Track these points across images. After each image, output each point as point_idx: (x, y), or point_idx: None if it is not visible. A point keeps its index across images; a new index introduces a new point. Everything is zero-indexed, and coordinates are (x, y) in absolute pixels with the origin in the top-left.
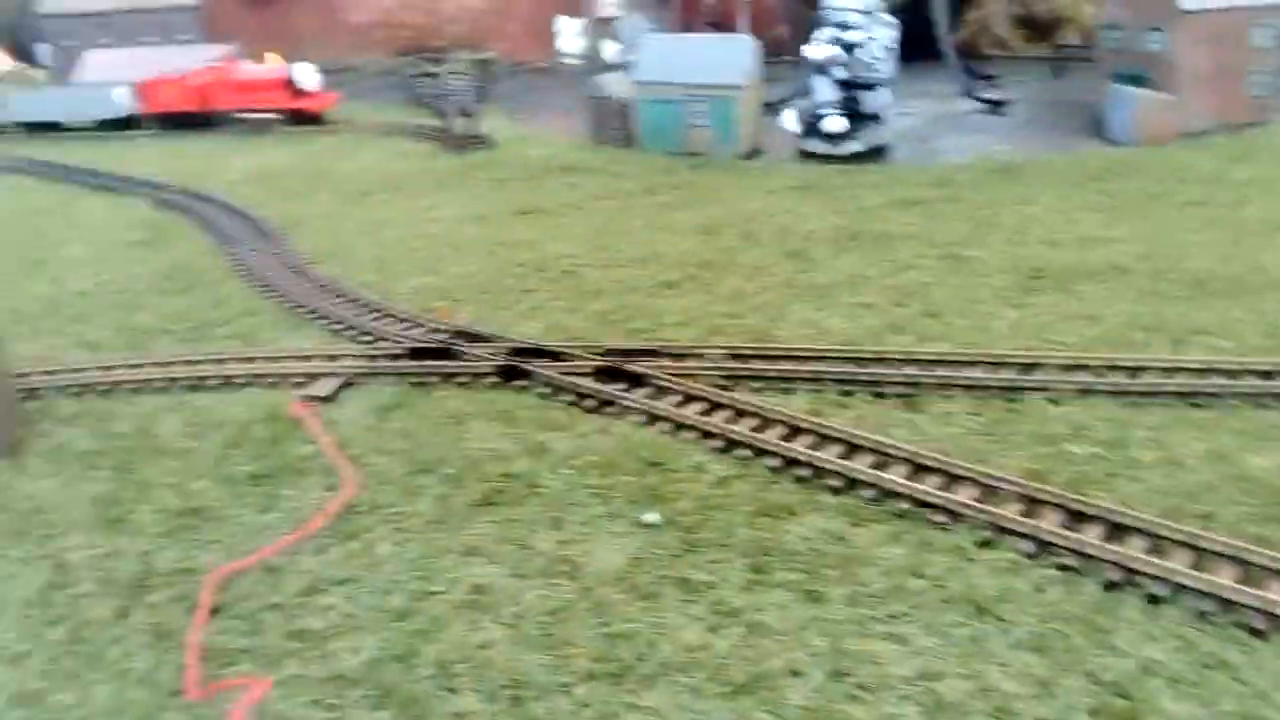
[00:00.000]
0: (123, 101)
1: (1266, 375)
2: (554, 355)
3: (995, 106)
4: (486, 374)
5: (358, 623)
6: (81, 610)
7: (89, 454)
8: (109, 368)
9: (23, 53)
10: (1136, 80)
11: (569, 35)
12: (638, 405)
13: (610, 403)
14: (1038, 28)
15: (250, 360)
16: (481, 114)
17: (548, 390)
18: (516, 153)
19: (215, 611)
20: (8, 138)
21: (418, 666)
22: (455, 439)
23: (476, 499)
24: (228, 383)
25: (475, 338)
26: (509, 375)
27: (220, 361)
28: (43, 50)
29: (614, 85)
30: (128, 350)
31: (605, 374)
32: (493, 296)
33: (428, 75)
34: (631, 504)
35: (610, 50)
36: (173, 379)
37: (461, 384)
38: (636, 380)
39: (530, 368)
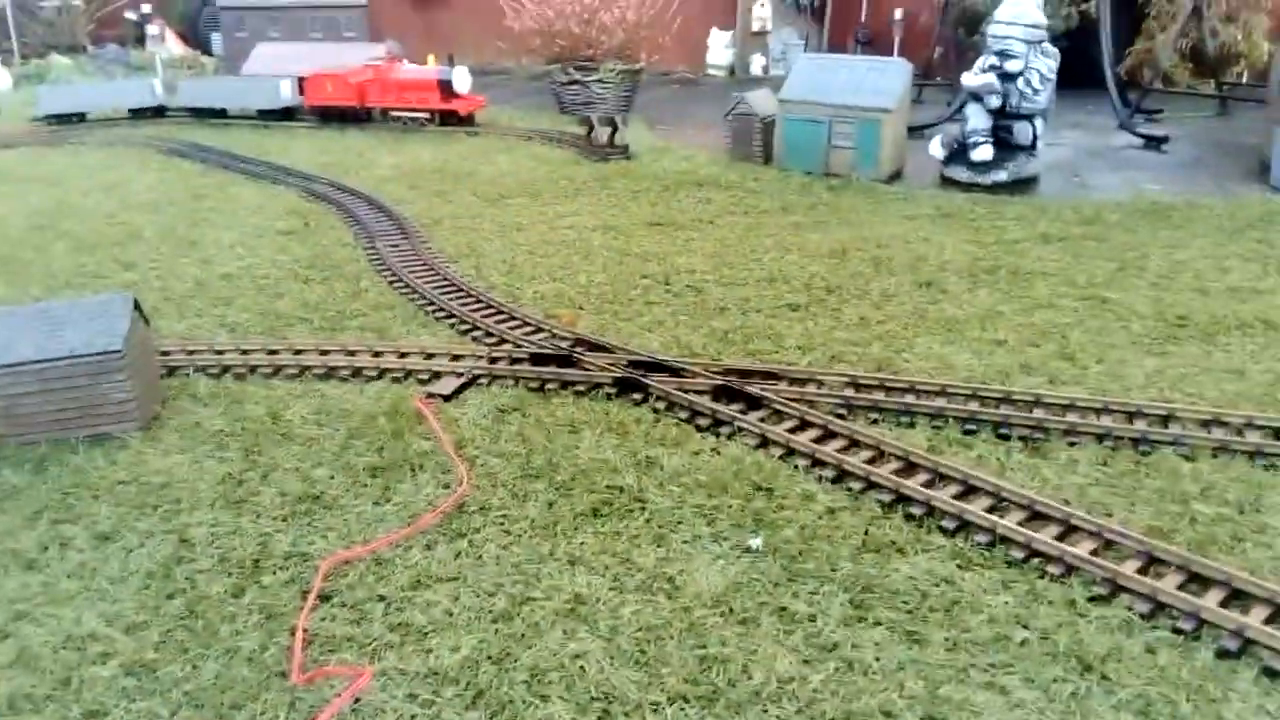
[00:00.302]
0: (286, 93)
1: None
2: (672, 370)
3: (1154, 143)
4: (604, 384)
5: (458, 621)
6: (199, 586)
7: (220, 434)
8: (247, 351)
9: (196, 41)
10: None
11: (718, 48)
12: (751, 427)
13: (724, 422)
14: (1207, 63)
15: (379, 354)
16: (625, 124)
17: (663, 405)
18: (654, 164)
19: (324, 598)
20: (176, 122)
21: (512, 670)
22: (568, 447)
23: (583, 509)
24: (356, 374)
25: (595, 347)
26: (626, 387)
27: (351, 353)
28: (215, 39)
29: (759, 101)
30: (266, 335)
31: (722, 393)
32: (616, 307)
33: (576, 83)
34: (736, 527)
35: (758, 65)
36: (305, 366)
37: (579, 392)
38: (752, 402)
39: (648, 381)
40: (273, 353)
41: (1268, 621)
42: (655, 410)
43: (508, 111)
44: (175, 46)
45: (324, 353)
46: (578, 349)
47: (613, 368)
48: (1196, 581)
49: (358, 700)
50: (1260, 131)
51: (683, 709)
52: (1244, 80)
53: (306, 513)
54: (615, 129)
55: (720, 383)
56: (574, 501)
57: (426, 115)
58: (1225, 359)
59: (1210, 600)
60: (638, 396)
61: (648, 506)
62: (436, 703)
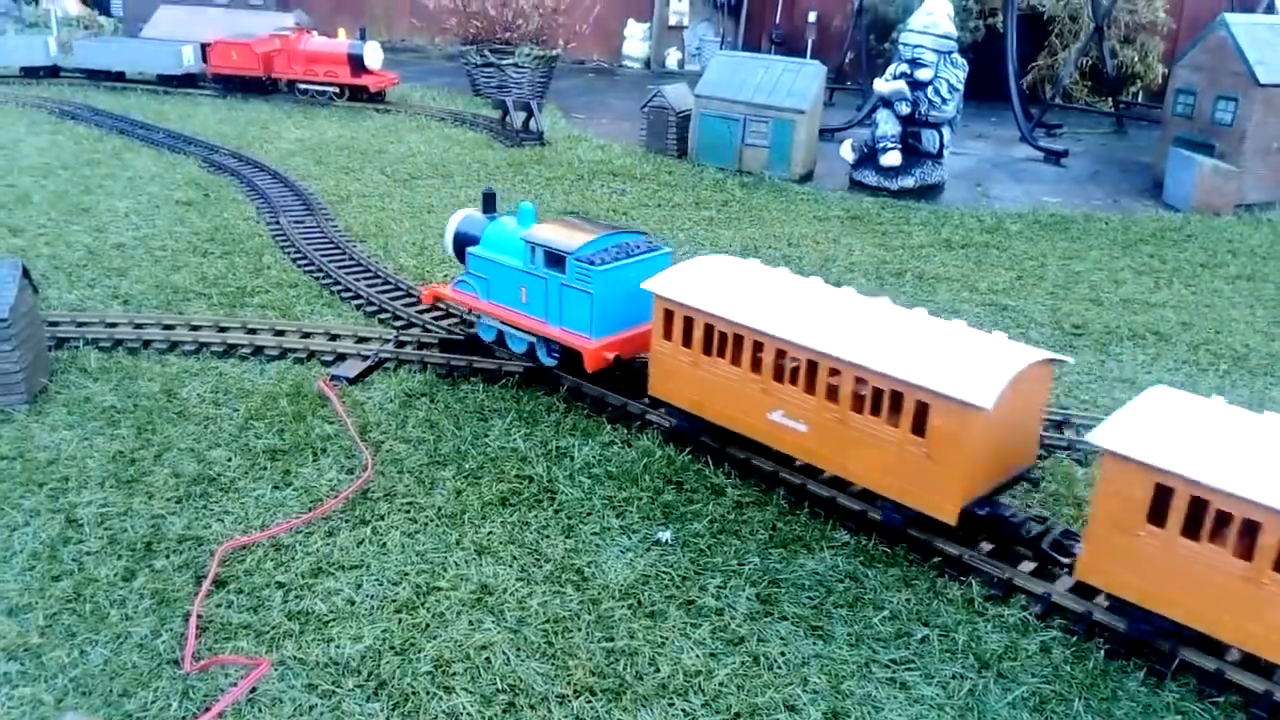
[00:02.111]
0: (188, 60)
1: None
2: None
3: (1054, 157)
4: (515, 373)
5: (361, 610)
6: (87, 568)
7: (111, 410)
8: (141, 325)
9: (94, 1)
10: (1201, 147)
11: (634, 40)
12: (662, 420)
13: (635, 415)
14: (1105, 81)
15: (281, 333)
16: (540, 110)
17: (574, 396)
18: (569, 152)
19: (220, 584)
20: (70, 83)
21: (416, 661)
22: (477, 435)
23: (492, 498)
24: (257, 353)
25: None
26: (536, 376)
27: (252, 331)
28: (115, 0)
29: (675, 95)
30: (162, 309)
31: (634, 385)
32: None
33: (491, 66)
34: (646, 519)
35: (674, 59)
36: (203, 343)
37: (489, 380)
38: None
39: (559, 371)
40: (168, 327)
41: None
42: (566, 400)
43: (420, 90)
44: (71, 5)
45: (223, 329)
46: None
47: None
48: (1088, 584)
49: (254, 690)
50: (1155, 150)
51: (589, 702)
52: (1139, 100)
53: (202, 495)
54: (530, 114)
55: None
56: (482, 490)
57: (335, 89)
58: (1118, 368)
59: (1101, 603)
60: (549, 386)
61: (557, 497)
62: (337, 693)
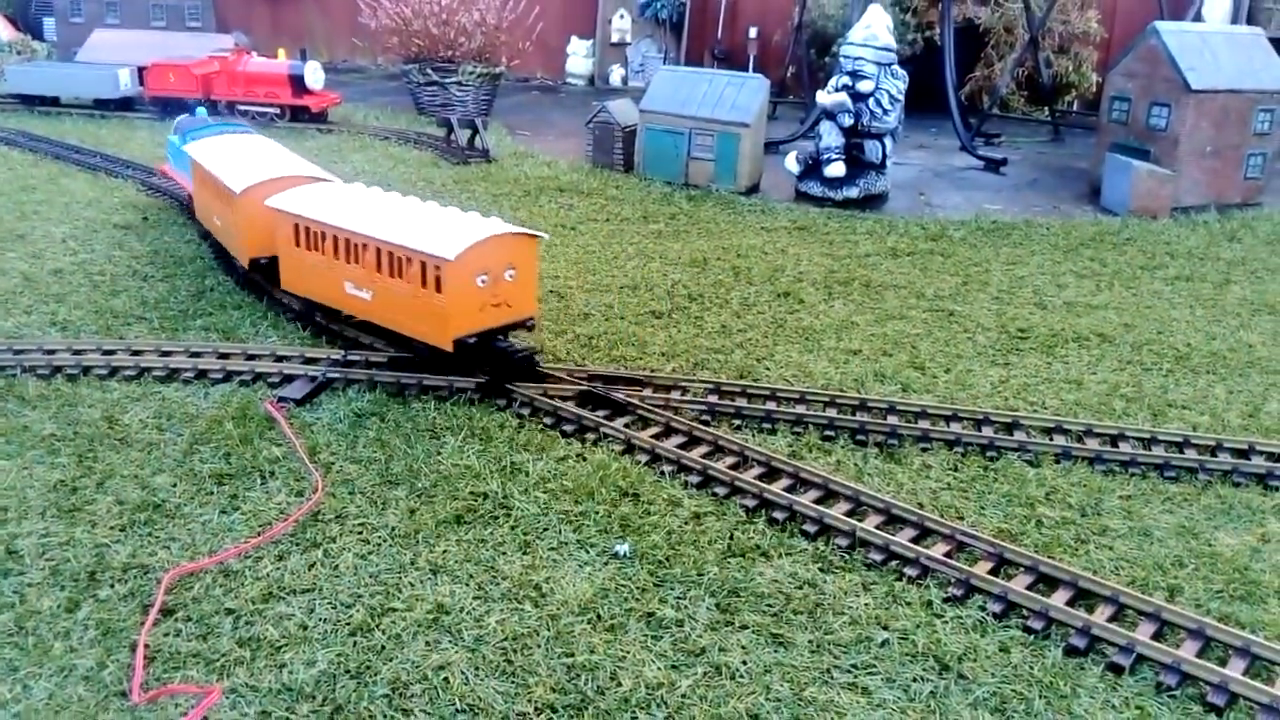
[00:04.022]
0: (125, 83)
1: (1242, 454)
2: (536, 376)
3: (993, 165)
4: (466, 389)
5: (313, 634)
6: (29, 600)
7: (51, 438)
8: (80, 351)
9: (27, 26)
10: (1137, 152)
11: (578, 57)
12: (617, 433)
13: (589, 428)
14: (1041, 91)
15: (226, 356)
16: (485, 127)
17: (527, 411)
18: (515, 169)
19: (167, 613)
20: (4, 109)
21: (372, 684)
22: (429, 453)
23: (446, 516)
24: (200, 376)
25: None
26: (489, 392)
27: (195, 354)
28: (48, 25)
29: (620, 110)
30: (101, 334)
31: (587, 399)
32: None
33: (434, 84)
34: (603, 533)
35: (618, 75)
36: (144, 368)
37: (440, 397)
38: (618, 408)
39: (511, 387)
40: (109, 353)
41: (1111, 619)
42: (519, 416)
43: (363, 110)
44: (3, 30)
45: (165, 353)
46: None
47: (475, 374)
48: (1044, 582)
49: (206, 719)
50: (1091, 157)
51: (551, 719)
52: (1074, 108)
53: (147, 522)
54: (475, 132)
55: (585, 388)
56: (436, 508)
57: (276, 110)
58: (1064, 370)
59: (1058, 600)
60: (501, 402)
61: (513, 513)
62: (291, 719)
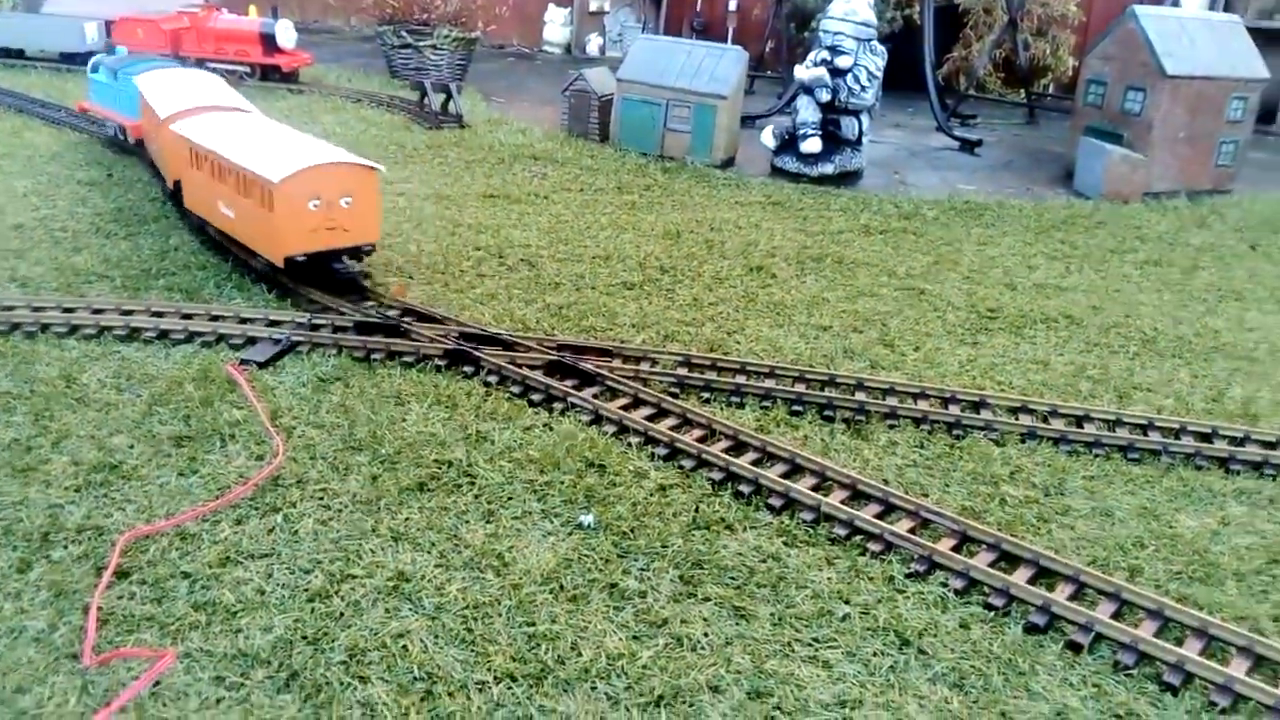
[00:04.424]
0: (92, 37)
1: (1205, 437)
2: (505, 344)
3: (969, 146)
4: (433, 356)
5: (271, 600)
6: None
7: (6, 396)
8: (39, 308)
9: None
10: (1111, 136)
11: (555, 25)
12: (585, 403)
13: (557, 398)
14: (1018, 73)
15: (189, 316)
16: (459, 92)
17: (494, 379)
18: (489, 135)
19: (122, 575)
20: None
21: (329, 651)
22: (394, 419)
23: (409, 483)
24: (162, 336)
25: (425, 318)
26: (456, 360)
27: (157, 314)
28: None
29: (596, 79)
30: (62, 291)
31: (555, 368)
32: (448, 278)
33: (408, 47)
34: (568, 503)
35: (595, 44)
36: (105, 327)
37: (406, 364)
38: (586, 378)
39: (479, 354)
40: (68, 310)
41: (1072, 598)
42: (486, 384)
43: (335, 71)
44: None
45: (126, 312)
46: (406, 319)
47: (443, 339)
48: (1007, 560)
49: (158, 683)
50: (1066, 140)
51: (509, 688)
52: (1050, 91)
53: (103, 483)
54: (449, 97)
55: (554, 358)
56: (399, 475)
57: (246, 69)
58: (1031, 350)
59: (1019, 577)
60: (468, 369)
61: (477, 481)
62: (245, 685)
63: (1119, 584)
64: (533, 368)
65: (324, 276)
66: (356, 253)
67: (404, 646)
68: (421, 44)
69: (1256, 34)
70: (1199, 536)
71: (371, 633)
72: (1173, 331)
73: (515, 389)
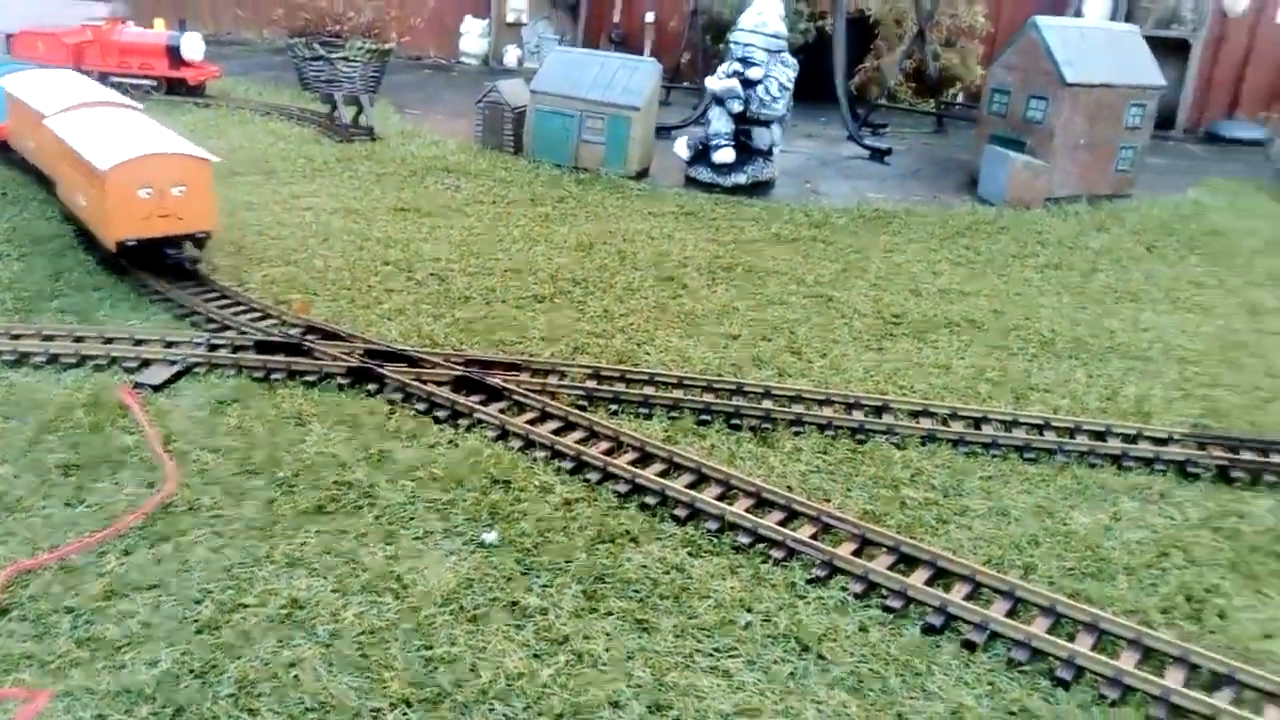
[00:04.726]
0: None
1: (1099, 436)
2: (410, 360)
3: (879, 155)
4: (336, 374)
5: (157, 633)
6: None
7: None
8: None
9: None
10: (1015, 144)
11: (472, 36)
12: (491, 419)
13: (463, 414)
14: (928, 83)
15: (81, 339)
16: (371, 105)
17: (399, 396)
18: (401, 148)
19: (1, 612)
20: None
21: (217, 684)
22: (293, 441)
23: (307, 506)
24: (52, 361)
25: (329, 335)
26: (360, 377)
27: (48, 338)
28: None
29: (511, 90)
30: None
31: (462, 384)
32: (354, 294)
33: (320, 59)
34: (471, 521)
35: (513, 56)
36: None
37: (308, 383)
38: (493, 393)
39: (384, 371)
40: None
41: (968, 598)
42: (391, 402)
43: (244, 84)
44: None
45: (15, 336)
46: (309, 337)
47: (347, 356)
48: (905, 562)
49: None
50: (972, 148)
51: (405, 714)
52: (960, 101)
53: None
54: (361, 109)
55: (461, 373)
56: (296, 499)
57: (152, 83)
58: (934, 354)
59: (917, 579)
60: (372, 387)
61: (378, 502)
62: None
63: (1014, 582)
64: (439, 384)
65: (153, 261)
66: (195, 240)
67: (296, 676)
68: (333, 56)
69: (1154, 42)
70: (1092, 533)
71: (262, 663)
72: (1070, 333)
73: (420, 406)
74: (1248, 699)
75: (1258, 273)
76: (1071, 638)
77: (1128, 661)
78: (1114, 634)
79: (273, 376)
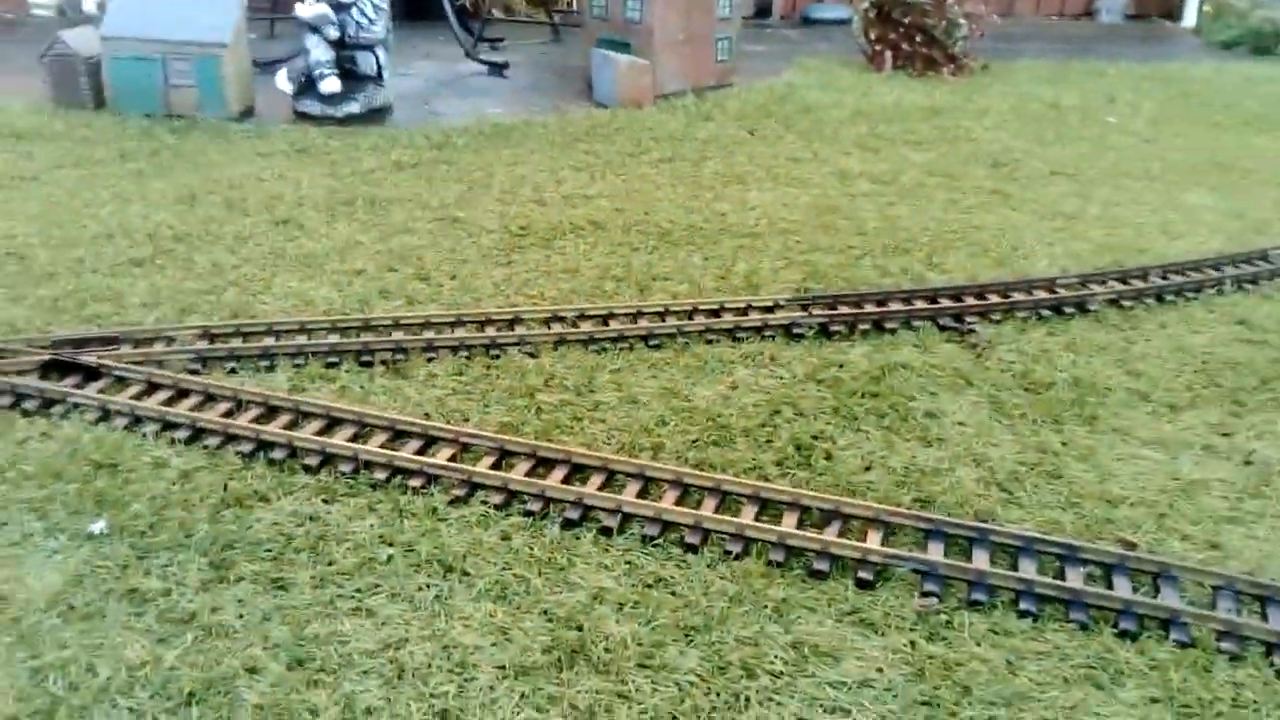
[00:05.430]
0: None
1: (713, 313)
2: None
3: (497, 69)
4: None
5: None
6: None
7: None
8: None
9: None
10: (620, 46)
11: None
12: (89, 401)
13: (55, 401)
14: None
15: None
16: None
17: None
18: None
19: None
20: None
21: None
22: None
23: None
24: None
25: None
26: None
27: None
28: None
29: (80, 39)
30: None
31: (52, 368)
32: None
33: None
34: (75, 514)
35: (92, 2)
36: None
37: None
38: (90, 373)
39: None
40: None
41: (602, 488)
42: None
43: None
44: None
45: None
46: None
47: None
48: (543, 465)
49: None
50: (584, 54)
51: None
52: (573, 8)
53: None
54: None
55: (49, 357)
56: None
57: None
58: (562, 260)
59: (554, 480)
60: None
61: None
62: None
63: (643, 464)
64: (23, 373)
65: None
66: None
67: None
68: None
69: None
70: (713, 404)
71: None
72: (686, 221)
73: (5, 401)
74: (854, 529)
75: (845, 141)
76: (698, 505)
77: (747, 516)
78: (735, 493)
79: None
